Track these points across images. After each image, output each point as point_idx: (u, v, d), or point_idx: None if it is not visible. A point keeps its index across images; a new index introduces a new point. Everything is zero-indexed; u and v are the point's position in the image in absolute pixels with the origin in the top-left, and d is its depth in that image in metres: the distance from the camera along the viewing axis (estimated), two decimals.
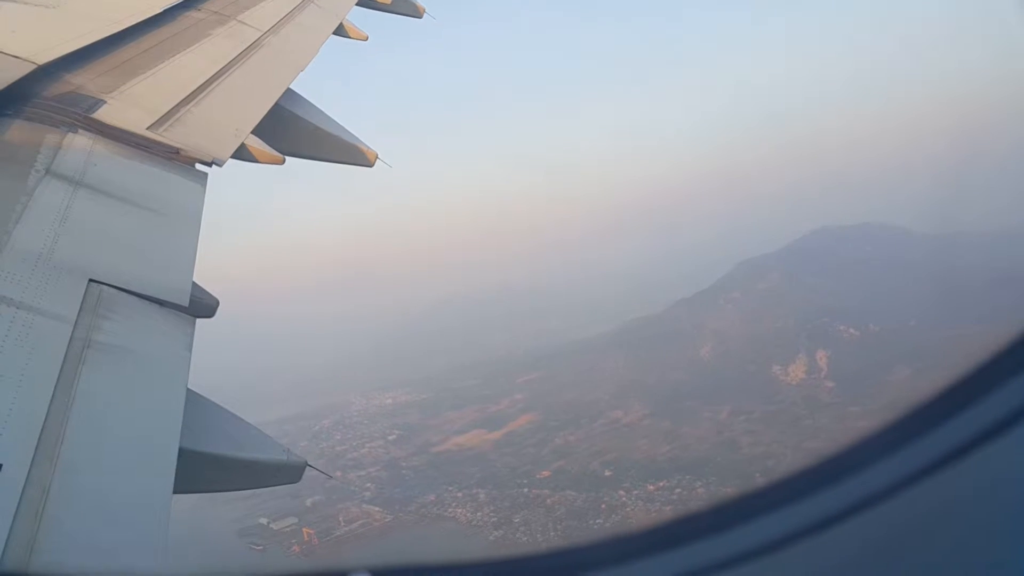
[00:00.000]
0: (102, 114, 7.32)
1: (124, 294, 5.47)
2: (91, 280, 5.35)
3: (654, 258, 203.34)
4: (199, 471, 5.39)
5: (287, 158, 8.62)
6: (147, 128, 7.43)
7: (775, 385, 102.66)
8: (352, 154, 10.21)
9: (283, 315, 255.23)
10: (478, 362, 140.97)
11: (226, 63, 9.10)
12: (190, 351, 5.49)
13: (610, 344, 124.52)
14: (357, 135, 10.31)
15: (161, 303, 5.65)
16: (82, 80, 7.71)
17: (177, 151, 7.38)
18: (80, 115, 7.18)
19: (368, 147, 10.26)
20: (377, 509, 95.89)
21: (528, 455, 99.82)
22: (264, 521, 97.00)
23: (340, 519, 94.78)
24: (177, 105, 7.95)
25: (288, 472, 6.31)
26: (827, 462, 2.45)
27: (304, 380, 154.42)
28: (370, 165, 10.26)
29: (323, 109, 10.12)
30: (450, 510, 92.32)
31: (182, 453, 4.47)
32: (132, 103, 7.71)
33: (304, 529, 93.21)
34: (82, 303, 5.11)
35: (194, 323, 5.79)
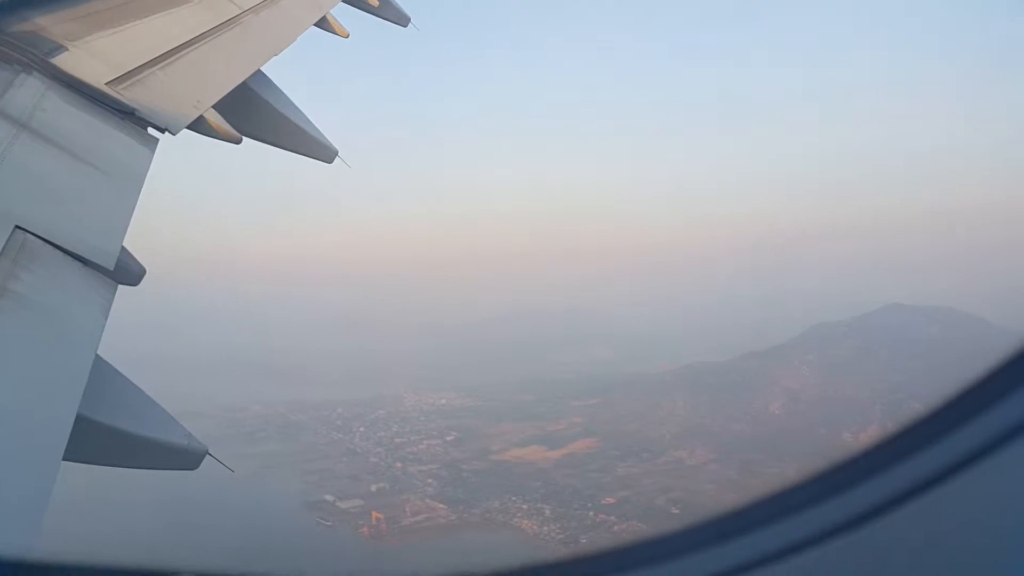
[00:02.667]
0: (61, 60, 6.92)
1: (49, 247, 5.09)
2: (17, 227, 4.99)
3: (723, 304, 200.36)
4: (94, 441, 4.97)
5: (246, 140, 8.30)
6: (106, 83, 7.03)
7: (846, 452, 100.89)
8: (312, 147, 9.77)
9: (324, 301, 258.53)
10: (532, 378, 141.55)
11: (199, 33, 8.64)
12: (106, 316, 5.11)
13: (671, 383, 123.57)
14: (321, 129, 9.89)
15: (85, 262, 5.27)
16: (47, 23, 7.28)
17: (132, 111, 6.98)
18: (38, 57, 6.79)
19: (330, 143, 9.87)
20: (441, 506, 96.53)
21: (591, 479, 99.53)
22: (330, 498, 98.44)
23: (406, 509, 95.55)
24: (141, 66, 7.53)
25: (186, 458, 5.86)
26: (829, 472, 2.45)
27: (356, 367, 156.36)
28: (329, 161, 9.89)
29: (291, 98, 9.69)
30: (515, 520, 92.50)
31: (79, 420, 4.13)
32: (94, 55, 7.29)
33: (373, 512, 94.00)
34: (3, 249, 4.76)
35: (115, 288, 5.41)
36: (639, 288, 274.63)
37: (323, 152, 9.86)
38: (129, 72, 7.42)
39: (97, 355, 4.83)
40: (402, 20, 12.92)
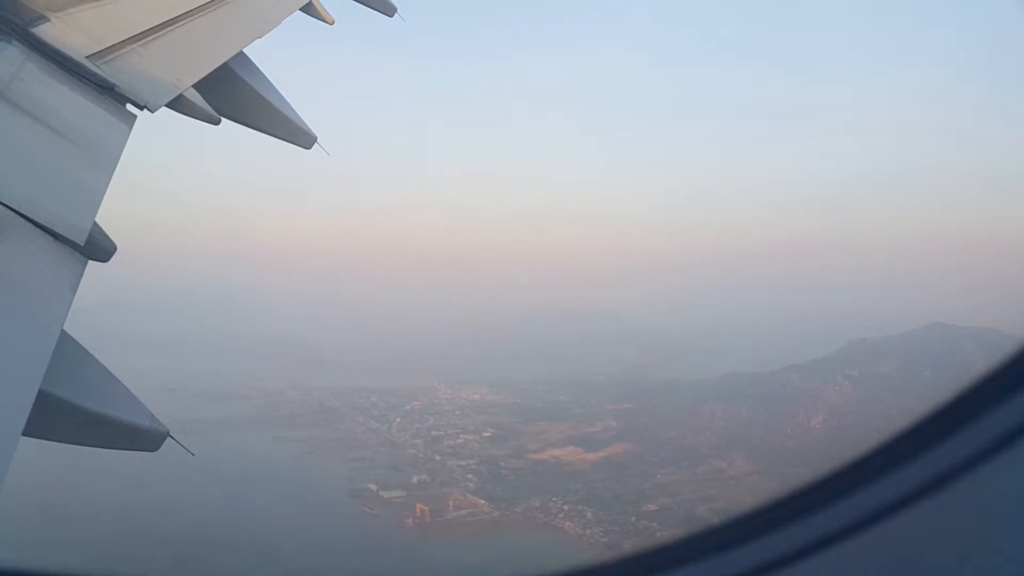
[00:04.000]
0: (42, 31, 6.86)
1: (19, 218, 5.03)
2: None
3: (759, 314, 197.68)
4: (56, 418, 4.91)
5: (225, 121, 8.31)
6: (86, 57, 6.97)
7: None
8: (292, 132, 9.67)
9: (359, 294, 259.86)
10: (564, 378, 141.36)
11: (184, 12, 8.61)
12: (74, 291, 5.06)
13: (709, 392, 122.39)
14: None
15: (56, 236, 5.20)
16: None
17: (112, 87, 6.92)
18: (19, 27, 6.73)
19: (309, 128, 9.76)
20: (483, 502, 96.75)
21: (631, 485, 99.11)
22: (373, 487, 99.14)
23: (449, 503, 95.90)
24: (123, 41, 7.49)
25: (148, 439, 5.69)
26: (831, 479, 2.50)
27: (387, 358, 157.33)
28: (308, 147, 9.78)
29: (273, 82, 9.63)
30: (558, 520, 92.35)
31: (41, 395, 4.09)
32: (76, 28, 7.24)
33: (418, 505, 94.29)
34: None
35: (85, 264, 5.36)
36: (669, 293, 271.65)
37: (302, 137, 9.77)
38: (110, 47, 7.37)
39: (63, 331, 4.76)
40: (388, 10, 12.81)
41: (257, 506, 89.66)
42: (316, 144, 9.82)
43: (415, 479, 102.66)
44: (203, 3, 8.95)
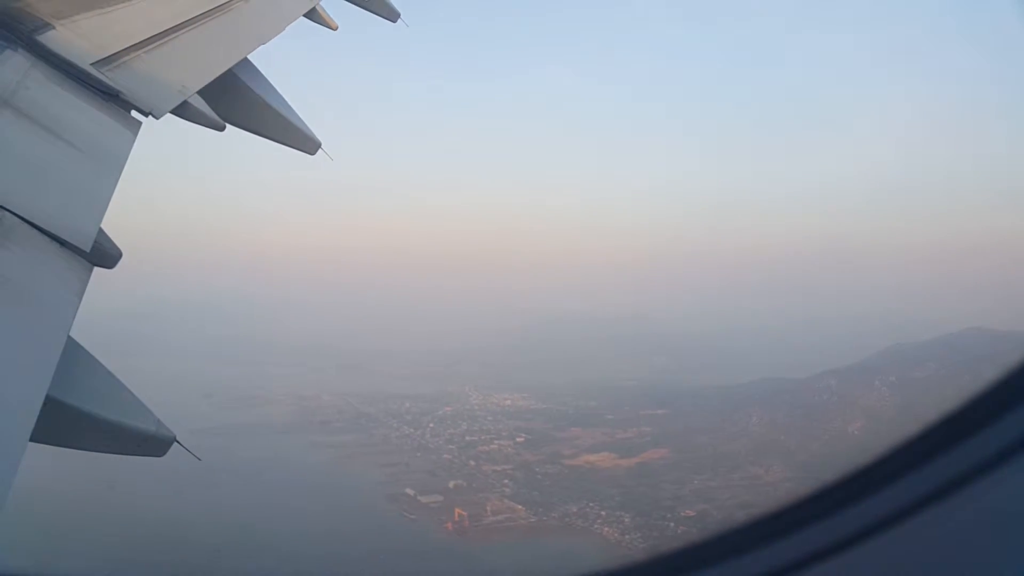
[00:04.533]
0: (47, 39, 6.90)
1: (26, 225, 5.07)
2: None
3: (792, 320, 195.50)
4: (63, 423, 4.92)
5: (229, 127, 8.35)
6: (91, 64, 7.02)
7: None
8: (296, 137, 9.70)
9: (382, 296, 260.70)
10: (594, 383, 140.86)
11: (188, 18, 8.64)
12: (80, 297, 5.11)
13: (743, 398, 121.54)
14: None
15: (62, 243, 5.25)
16: (34, 0, 7.29)
17: (117, 94, 6.97)
18: (24, 34, 6.79)
19: (313, 134, 9.78)
20: (520, 507, 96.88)
21: (668, 490, 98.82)
22: (411, 492, 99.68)
23: (487, 508, 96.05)
24: (128, 48, 7.53)
25: (155, 444, 5.69)
26: (833, 487, 2.64)
27: (416, 363, 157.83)
28: (312, 153, 9.80)
29: (277, 88, 9.67)
30: (596, 526, 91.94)
31: (48, 401, 4.12)
32: (81, 35, 7.28)
33: (456, 509, 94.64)
34: None
35: (91, 270, 5.42)
36: (695, 297, 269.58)
37: (306, 143, 9.80)
38: (115, 54, 7.41)
39: (70, 336, 4.80)
40: (391, 15, 12.81)
41: (298, 510, 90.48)
42: (320, 150, 9.85)
43: (451, 484, 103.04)
44: (207, 9, 8.99)
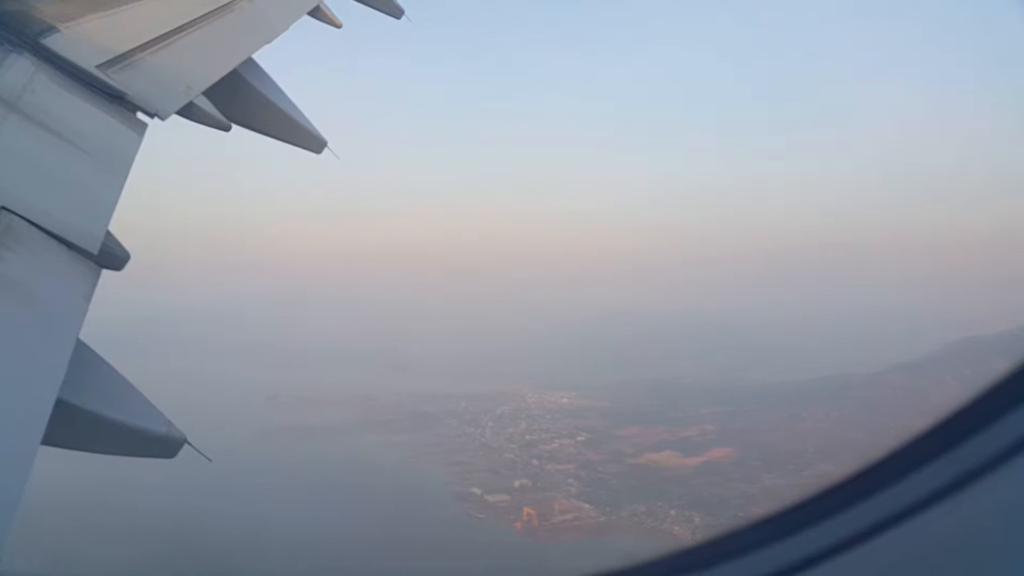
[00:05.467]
0: (52, 42, 6.94)
1: (33, 228, 5.12)
2: (3, 207, 5.03)
3: (854, 314, 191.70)
4: (73, 426, 4.95)
5: (235, 127, 8.39)
6: (96, 66, 7.05)
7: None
8: (301, 136, 9.72)
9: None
10: (652, 381, 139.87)
11: (192, 19, 8.66)
12: (88, 300, 5.14)
13: (810, 395, 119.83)
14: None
15: (70, 245, 5.29)
16: (38, 3, 7.36)
17: (122, 95, 6.99)
18: (29, 38, 6.83)
19: (319, 133, 9.79)
20: (587, 506, 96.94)
21: (737, 489, 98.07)
22: (477, 491, 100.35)
23: (555, 507, 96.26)
24: (133, 50, 7.55)
25: (166, 445, 5.72)
26: (834, 488, 2.55)
27: (469, 362, 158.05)
28: (318, 151, 9.81)
29: (282, 87, 9.71)
30: (666, 525, 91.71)
31: (58, 404, 4.16)
32: (86, 37, 7.32)
33: (525, 508, 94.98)
34: None
35: (99, 272, 5.44)
36: (751, 293, 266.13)
37: (312, 142, 9.82)
38: (120, 56, 7.43)
39: (79, 339, 4.82)
40: (396, 12, 12.87)
41: (371, 510, 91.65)
42: (326, 148, 9.88)
43: (516, 483, 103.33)
44: (211, 10, 9.03)
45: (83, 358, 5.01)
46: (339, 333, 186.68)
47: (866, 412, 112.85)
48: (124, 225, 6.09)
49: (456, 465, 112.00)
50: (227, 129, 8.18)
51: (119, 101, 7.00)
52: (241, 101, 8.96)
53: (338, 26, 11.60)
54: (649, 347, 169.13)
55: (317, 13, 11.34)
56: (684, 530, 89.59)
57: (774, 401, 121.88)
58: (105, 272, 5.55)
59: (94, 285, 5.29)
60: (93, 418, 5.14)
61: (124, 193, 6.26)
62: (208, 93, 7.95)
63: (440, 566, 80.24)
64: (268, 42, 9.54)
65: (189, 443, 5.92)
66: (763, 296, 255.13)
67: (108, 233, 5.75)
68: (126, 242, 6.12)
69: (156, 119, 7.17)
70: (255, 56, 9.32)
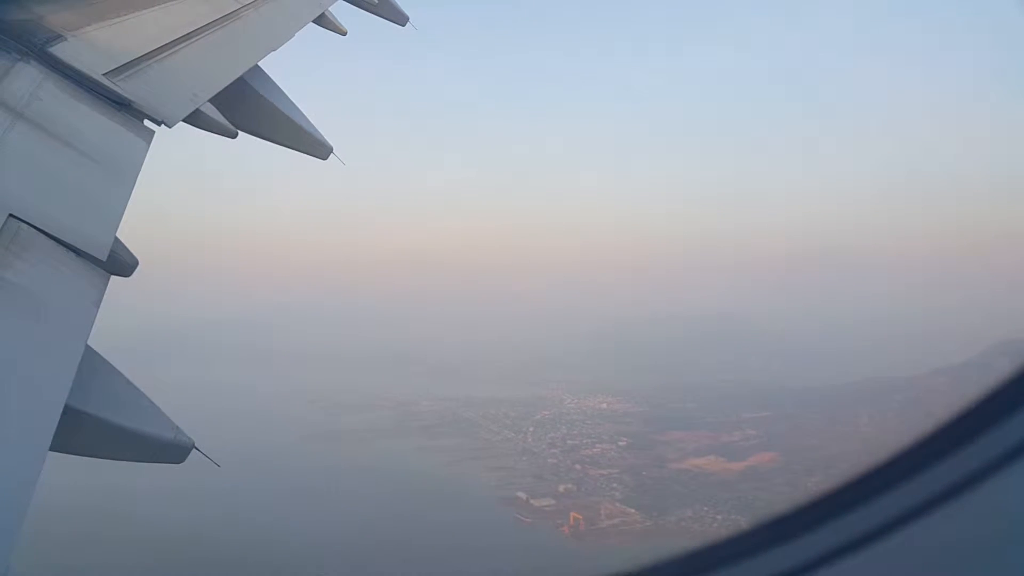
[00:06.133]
0: (59, 50, 6.95)
1: (42, 236, 5.14)
2: (11, 215, 5.03)
3: (891, 317, 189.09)
4: (82, 433, 4.99)
5: (241, 134, 8.36)
6: (103, 74, 7.04)
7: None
8: (308, 143, 9.71)
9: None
10: (691, 385, 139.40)
11: (198, 27, 8.65)
12: (97, 306, 5.14)
13: (851, 398, 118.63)
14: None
15: (78, 252, 5.31)
16: (46, 12, 7.35)
17: (129, 103, 6.98)
18: (36, 46, 6.84)
19: (325, 139, 9.78)
20: (633, 511, 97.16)
21: (782, 494, 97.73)
22: (522, 496, 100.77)
23: (601, 512, 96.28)
24: (139, 58, 7.55)
25: (174, 451, 5.69)
26: (836, 492, 2.53)
27: (506, 367, 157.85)
28: (324, 158, 9.79)
29: (288, 94, 9.68)
30: (712, 530, 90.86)
31: (67, 411, 4.16)
32: (93, 46, 7.32)
33: (572, 513, 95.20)
34: None
35: (108, 279, 5.45)
36: (782, 295, 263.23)
37: (318, 148, 9.81)
38: (127, 64, 7.44)
39: (88, 345, 4.83)
40: (400, 19, 12.94)
41: (417, 513, 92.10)
42: (332, 154, 9.87)
43: (561, 488, 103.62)
44: (217, 18, 9.03)
45: (92, 365, 5.02)
46: (368, 340, 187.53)
47: (907, 415, 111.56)
48: (132, 232, 6.11)
49: (499, 470, 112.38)
50: (234, 136, 8.19)
51: (126, 109, 7.01)
52: (247, 108, 8.98)
53: (343, 33, 11.67)
54: (683, 351, 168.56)
55: (322, 21, 11.38)
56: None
57: (814, 405, 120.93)
58: (114, 279, 5.56)
59: (103, 292, 5.28)
60: (101, 424, 5.13)
61: (132, 200, 6.27)
62: (215, 100, 7.95)
63: (490, 568, 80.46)
64: (274, 49, 9.56)
65: (197, 448, 5.91)
66: (796, 300, 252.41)
67: (116, 240, 5.76)
68: (134, 249, 6.13)
69: (163, 126, 7.19)
70: (261, 63, 9.34)
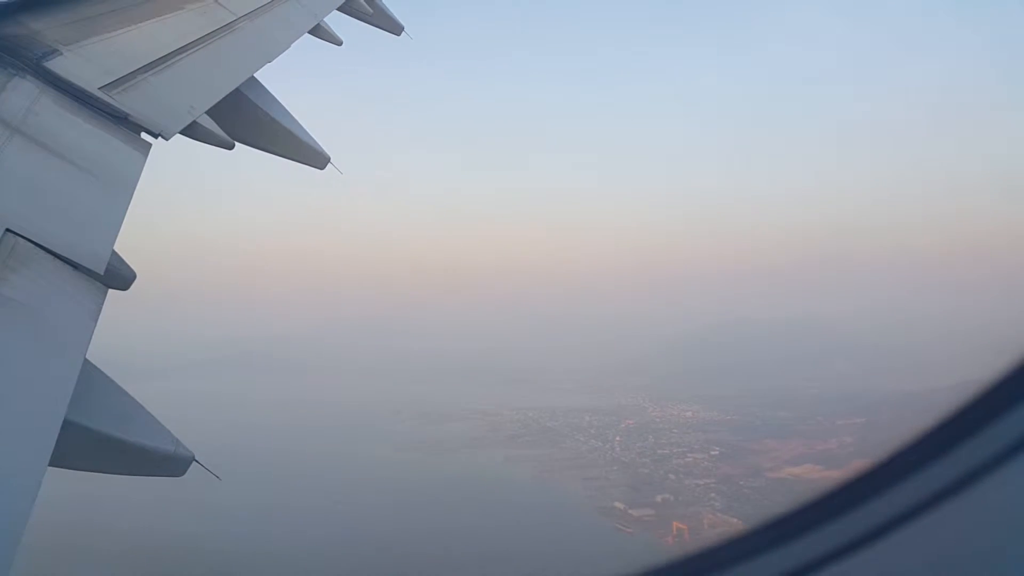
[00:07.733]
0: (55, 64, 7.00)
1: (39, 250, 5.18)
2: (8, 230, 5.08)
3: (987, 318, 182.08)
4: (82, 447, 5.03)
5: (238, 145, 8.41)
6: (99, 88, 7.09)
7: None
8: (305, 153, 9.72)
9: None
10: (775, 392, 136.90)
11: (193, 39, 8.69)
12: (95, 320, 5.18)
13: (946, 403, 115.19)
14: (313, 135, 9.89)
15: (76, 266, 5.34)
16: (41, 27, 7.39)
17: (126, 116, 7.03)
18: (32, 61, 6.90)
19: (322, 149, 9.80)
20: (736, 520, 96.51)
21: None
22: (620, 506, 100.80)
23: (703, 522, 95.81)
24: (135, 71, 7.59)
25: (174, 464, 5.71)
26: (836, 492, 2.53)
27: (584, 376, 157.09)
28: (321, 167, 9.82)
29: (284, 104, 9.70)
30: None
31: (66, 425, 4.19)
32: (89, 60, 7.38)
33: (674, 523, 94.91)
34: None
35: (105, 292, 5.48)
36: (874, 296, 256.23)
37: (315, 158, 9.82)
38: (123, 77, 7.49)
39: (86, 359, 4.86)
40: (395, 29, 13.02)
41: (516, 523, 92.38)
42: (329, 164, 9.89)
43: (659, 498, 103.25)
44: (213, 30, 9.08)
45: (90, 378, 5.02)
46: (441, 351, 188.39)
47: None
48: (130, 245, 6.11)
49: (592, 480, 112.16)
50: (231, 147, 8.23)
51: (123, 122, 7.05)
52: (244, 119, 9.02)
53: (339, 44, 11.79)
54: (763, 355, 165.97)
55: (318, 31, 11.45)
56: None
57: (909, 410, 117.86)
58: (111, 292, 5.57)
59: (101, 305, 5.30)
60: (101, 438, 5.14)
61: (129, 213, 6.29)
62: (211, 112, 7.99)
63: None
64: (270, 60, 9.60)
65: (197, 461, 5.90)
66: (881, 301, 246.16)
67: (114, 253, 5.77)
68: (132, 262, 6.14)
69: (160, 139, 7.23)
70: (257, 75, 9.37)
